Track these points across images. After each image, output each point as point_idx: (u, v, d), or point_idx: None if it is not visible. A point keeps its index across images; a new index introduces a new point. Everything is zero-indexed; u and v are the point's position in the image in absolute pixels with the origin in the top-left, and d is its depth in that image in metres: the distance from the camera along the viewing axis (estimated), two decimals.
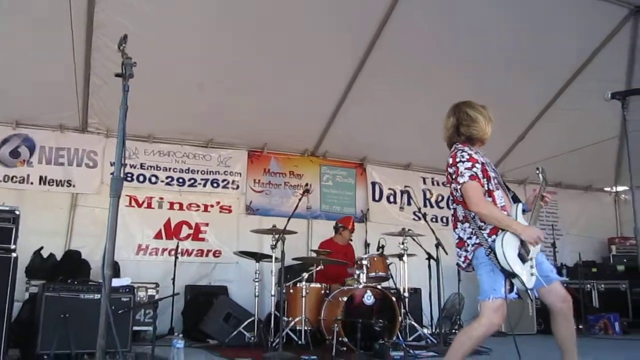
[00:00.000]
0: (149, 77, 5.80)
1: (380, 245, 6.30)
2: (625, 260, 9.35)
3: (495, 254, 3.13)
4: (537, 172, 3.54)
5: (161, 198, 7.47)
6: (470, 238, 3.32)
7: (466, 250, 3.35)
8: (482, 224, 3.25)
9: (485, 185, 3.28)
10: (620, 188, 10.18)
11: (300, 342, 5.61)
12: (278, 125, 7.58)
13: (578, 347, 3.38)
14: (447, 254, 6.14)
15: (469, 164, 3.26)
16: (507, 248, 3.13)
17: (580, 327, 7.26)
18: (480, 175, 3.26)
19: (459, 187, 3.28)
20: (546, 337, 7.53)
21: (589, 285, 8.73)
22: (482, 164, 3.33)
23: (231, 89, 6.77)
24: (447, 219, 8.93)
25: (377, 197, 8.72)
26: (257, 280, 6.13)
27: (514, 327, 3.68)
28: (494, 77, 7.00)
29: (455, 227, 3.49)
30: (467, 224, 3.34)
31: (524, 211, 3.38)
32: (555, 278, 3.33)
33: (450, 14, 6.28)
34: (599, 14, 6.42)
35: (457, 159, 3.32)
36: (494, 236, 3.18)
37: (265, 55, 6.42)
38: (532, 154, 7.92)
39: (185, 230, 7.48)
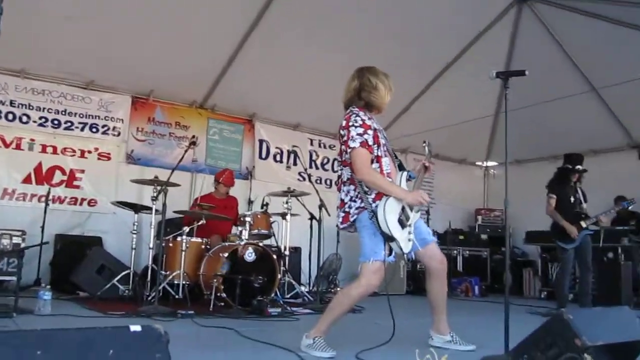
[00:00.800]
0: (25, 2, 5.28)
1: (265, 203, 6.31)
2: (488, 230, 10.18)
3: (377, 218, 3.26)
4: (424, 144, 3.69)
5: (32, 139, 6.90)
6: (354, 201, 3.42)
7: (344, 211, 3.46)
8: (368, 189, 3.35)
9: (375, 151, 3.37)
10: (490, 163, 10.95)
11: (177, 297, 5.52)
12: (166, 73, 7.23)
13: None
14: (329, 215, 6.29)
15: (361, 130, 3.33)
16: (389, 213, 3.27)
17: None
18: (371, 142, 3.34)
19: (348, 150, 3.34)
20: (414, 297, 8.11)
21: (455, 251, 9.41)
22: (375, 130, 3.41)
23: (117, 28, 6.31)
24: (331, 181, 9.14)
25: (263, 155, 8.69)
26: (134, 232, 5.91)
27: (386, 288, 3.86)
28: (387, 46, 7.13)
29: (339, 189, 3.57)
30: (352, 187, 3.44)
31: (410, 178, 3.54)
32: (431, 240, 3.55)
33: None
34: None
35: (351, 123, 3.37)
36: (378, 201, 3.30)
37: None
38: (415, 125, 8.28)
39: (58, 176, 7.00)
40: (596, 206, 6.53)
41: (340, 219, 3.49)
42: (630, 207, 6.75)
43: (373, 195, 3.33)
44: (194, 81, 7.65)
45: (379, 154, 3.40)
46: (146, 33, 6.44)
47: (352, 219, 3.40)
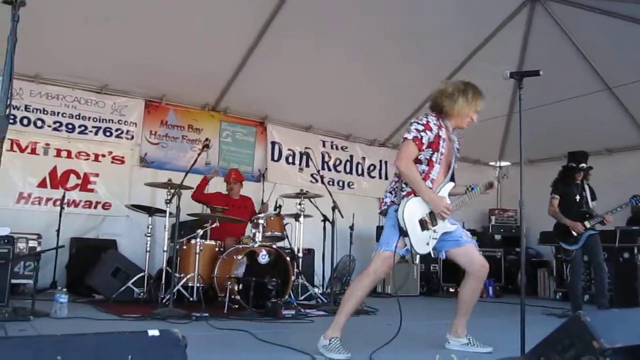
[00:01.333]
0: (38, 8, 5.32)
1: (278, 205, 6.32)
2: (502, 230, 10.11)
3: (398, 211, 3.31)
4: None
5: (47, 144, 6.97)
6: (390, 192, 3.56)
7: (384, 198, 3.55)
8: (405, 185, 3.41)
9: (428, 155, 3.40)
10: (503, 163, 10.86)
11: (192, 299, 5.55)
12: (178, 76, 7.27)
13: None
14: (342, 217, 6.30)
15: (421, 127, 3.42)
16: (410, 210, 3.37)
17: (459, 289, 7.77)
18: (426, 142, 3.37)
19: (402, 140, 3.40)
20: (428, 299, 8.09)
21: None
22: (438, 136, 3.41)
23: (130, 32, 6.35)
24: (344, 182, 9.14)
25: (276, 157, 8.69)
26: (149, 235, 5.95)
27: (398, 289, 3.88)
28: (399, 47, 7.13)
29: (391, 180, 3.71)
30: (395, 179, 3.54)
31: (470, 189, 3.59)
32: (466, 241, 3.55)
33: None
34: None
35: (416, 119, 3.51)
36: (410, 196, 3.35)
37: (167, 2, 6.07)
38: None
39: (73, 180, 7.06)
40: (612, 206, 6.45)
41: (380, 204, 3.68)
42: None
43: (405, 192, 3.40)
44: (206, 84, 7.69)
45: (434, 159, 3.43)
46: (159, 37, 6.48)
47: (383, 208, 3.56)
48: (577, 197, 6.16)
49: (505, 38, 7.40)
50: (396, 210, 3.36)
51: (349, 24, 6.79)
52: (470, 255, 3.56)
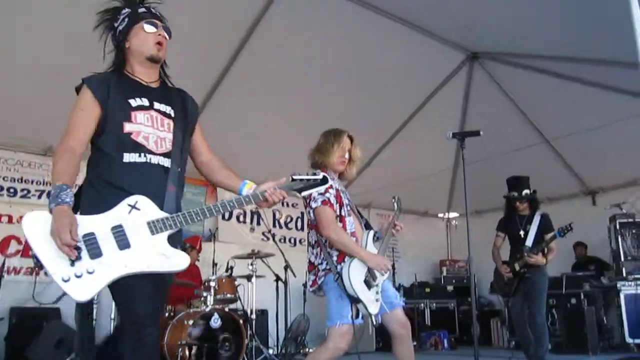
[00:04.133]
0: None
1: (229, 267, 6.23)
2: (454, 281, 10.22)
3: (342, 279, 3.25)
4: (393, 200, 3.72)
5: None
6: (321, 263, 3.42)
7: (315, 274, 3.44)
8: (331, 249, 3.36)
9: (338, 211, 3.40)
10: (451, 215, 11.11)
11: None
12: None
13: None
14: (295, 276, 6.25)
15: (322, 189, 3.35)
16: (353, 274, 3.27)
17: (414, 344, 7.74)
18: (333, 201, 3.37)
19: (311, 211, 3.37)
20: (384, 354, 8.00)
21: (422, 304, 9.37)
22: (337, 190, 3.44)
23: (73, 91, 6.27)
24: (295, 239, 9.09)
25: (226, 216, 8.61)
26: (95, 302, 5.73)
27: (357, 346, 3.81)
28: (347, 101, 7.30)
29: (308, 251, 3.57)
30: (318, 249, 3.44)
31: (377, 238, 3.55)
32: (398, 304, 3.52)
33: (296, 46, 6.43)
34: (441, 56, 6.97)
35: None
36: (342, 263, 3.31)
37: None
38: (377, 180, 8.40)
39: (13, 246, 6.75)
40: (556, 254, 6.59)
41: (310, 282, 3.50)
42: (564, 235, 5.48)
43: (335, 257, 3.34)
44: None
45: (342, 213, 3.43)
46: None
47: (319, 282, 3.40)
48: (521, 233, 5.44)
49: (448, 94, 7.71)
50: (336, 280, 3.27)
51: (298, 78, 6.89)
52: (396, 318, 3.49)
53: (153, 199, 2.41)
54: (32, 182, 7.04)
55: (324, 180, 2.71)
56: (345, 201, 3.50)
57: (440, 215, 11.22)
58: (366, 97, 7.36)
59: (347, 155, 3.60)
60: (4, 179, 6.86)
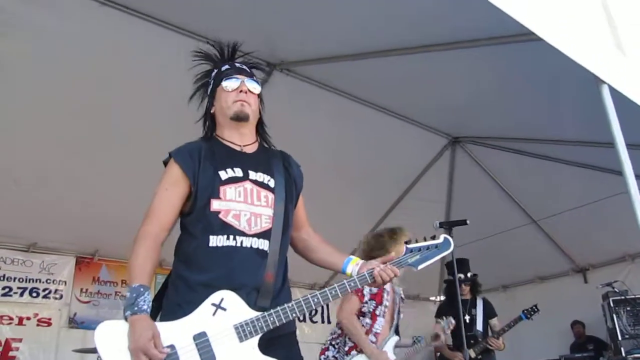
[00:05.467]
0: None
1: None
2: None
3: None
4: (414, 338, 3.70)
5: None
6: (334, 347, 3.41)
7: (324, 350, 3.42)
8: (347, 339, 3.34)
9: (372, 307, 3.38)
10: (442, 297, 10.92)
11: None
12: (112, 230, 7.08)
13: None
14: None
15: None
16: None
17: None
18: (367, 295, 3.36)
19: None
20: None
21: None
22: (382, 288, 3.42)
23: (61, 189, 6.25)
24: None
25: None
26: None
27: None
28: (334, 186, 7.32)
29: (330, 333, 3.68)
30: (339, 331, 3.44)
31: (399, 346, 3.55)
32: None
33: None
34: (424, 141, 7.11)
35: None
36: (352, 352, 3.28)
37: (96, 160, 6.01)
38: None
39: None
40: (551, 335, 6.46)
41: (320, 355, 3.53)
42: (531, 318, 5.34)
43: (347, 348, 3.33)
44: None
45: (377, 312, 3.42)
46: (91, 191, 6.39)
47: None
48: (467, 317, 5.16)
49: (433, 177, 7.79)
50: None
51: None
52: None
53: (246, 292, 2.05)
54: (15, 279, 6.88)
55: (447, 245, 2.38)
56: (387, 302, 3.47)
57: (432, 298, 11.05)
58: (355, 182, 7.41)
59: None
60: None
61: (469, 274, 5.36)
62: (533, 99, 5.66)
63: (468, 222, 3.34)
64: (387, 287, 3.50)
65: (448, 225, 3.41)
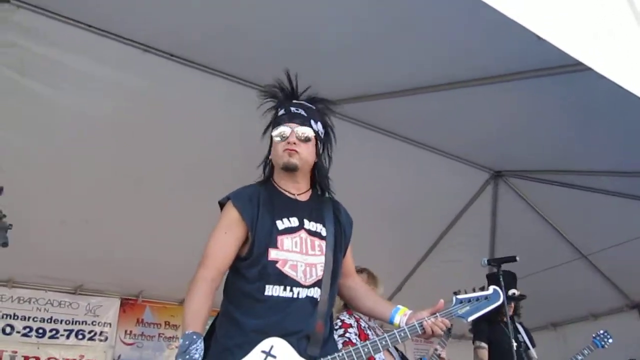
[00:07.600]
0: (14, 214, 5.35)
1: None
2: None
3: None
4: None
5: (14, 351, 6.58)
6: None
7: None
8: None
9: None
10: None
11: None
12: (155, 272, 7.16)
13: None
14: None
15: (341, 331, 3.36)
16: None
17: None
18: (355, 340, 3.30)
19: None
20: None
21: None
22: (359, 327, 3.38)
23: (107, 231, 6.36)
24: None
25: None
26: None
27: None
28: (375, 227, 7.26)
29: None
30: None
31: None
32: None
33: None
34: (465, 176, 7.02)
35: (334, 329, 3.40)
36: None
37: (140, 203, 6.10)
38: (409, 305, 8.12)
39: None
40: None
41: None
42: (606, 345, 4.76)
43: None
44: (184, 278, 7.54)
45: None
46: (136, 234, 6.47)
47: None
48: (514, 343, 4.12)
49: (475, 213, 7.65)
50: None
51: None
52: None
53: (297, 339, 2.04)
54: (61, 321, 6.98)
55: (496, 297, 2.34)
56: (372, 337, 3.41)
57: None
58: (395, 222, 7.32)
59: None
60: (33, 319, 6.81)
61: (514, 292, 4.72)
62: (575, 128, 5.55)
63: (518, 258, 3.24)
64: (364, 323, 3.44)
65: (496, 262, 3.31)
